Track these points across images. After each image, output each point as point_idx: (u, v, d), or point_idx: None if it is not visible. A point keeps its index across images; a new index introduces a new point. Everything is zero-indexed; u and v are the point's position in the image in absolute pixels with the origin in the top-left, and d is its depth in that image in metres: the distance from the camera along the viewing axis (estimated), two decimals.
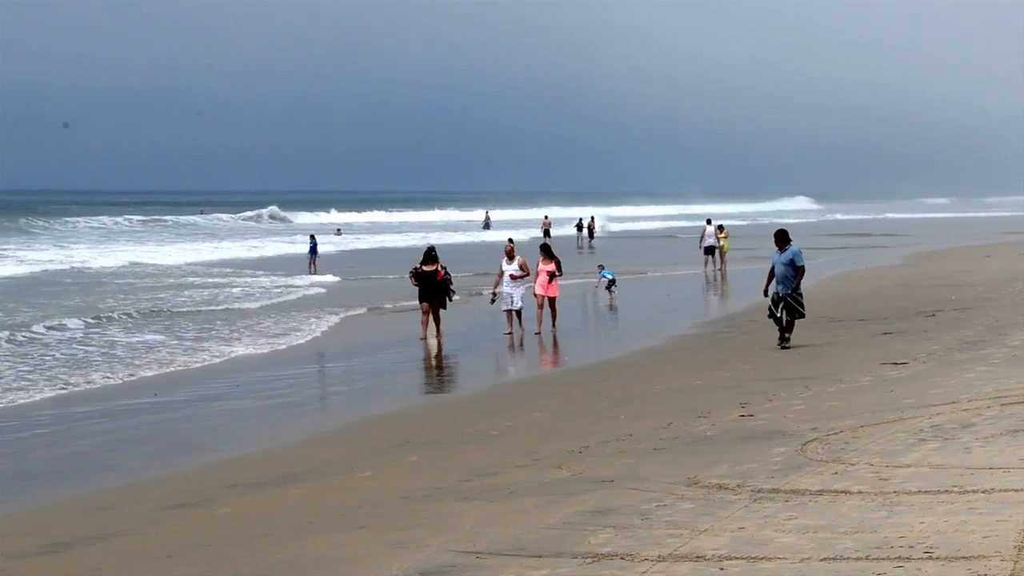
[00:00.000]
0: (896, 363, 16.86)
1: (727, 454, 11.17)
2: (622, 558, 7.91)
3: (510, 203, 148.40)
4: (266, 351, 22.76)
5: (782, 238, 20.34)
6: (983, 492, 8.77)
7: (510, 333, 24.28)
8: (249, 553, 9.21)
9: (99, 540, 10.02)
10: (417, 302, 24.31)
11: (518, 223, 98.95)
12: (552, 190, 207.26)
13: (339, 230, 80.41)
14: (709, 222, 46.01)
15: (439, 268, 24.24)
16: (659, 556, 7.86)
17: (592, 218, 69.93)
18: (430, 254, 24.57)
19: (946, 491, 8.92)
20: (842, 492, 9.20)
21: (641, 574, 7.53)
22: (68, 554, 9.64)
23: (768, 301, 20.28)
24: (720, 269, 43.59)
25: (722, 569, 7.47)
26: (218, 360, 21.49)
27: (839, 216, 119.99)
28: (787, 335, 19.93)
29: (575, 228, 69.67)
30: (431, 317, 23.88)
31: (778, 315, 19.96)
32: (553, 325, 24.69)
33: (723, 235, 44.76)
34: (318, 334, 25.30)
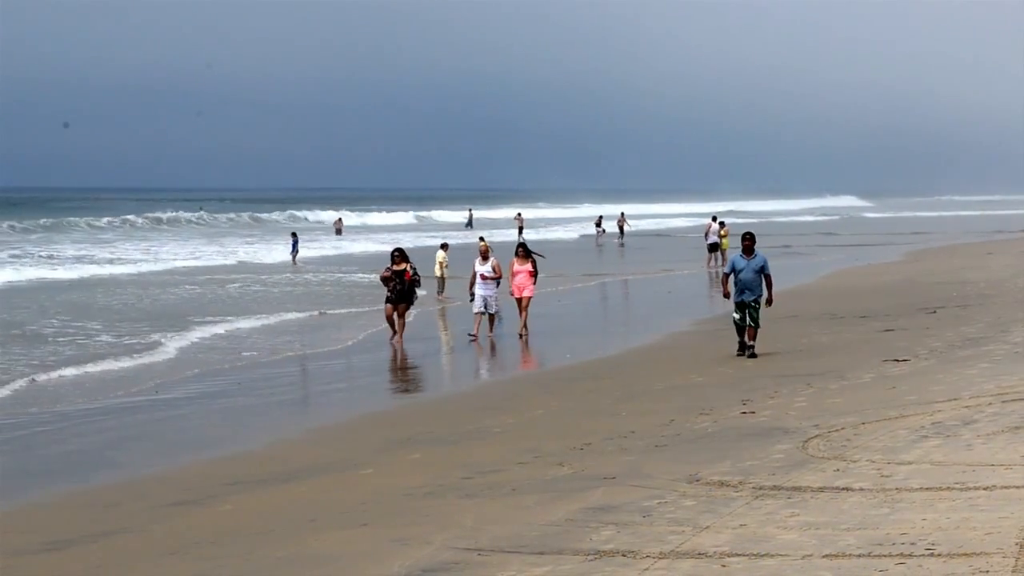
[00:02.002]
0: (898, 360, 16.86)
1: (729, 451, 11.18)
2: (624, 555, 7.91)
3: (549, 201, 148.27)
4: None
5: (750, 241, 19.17)
6: (985, 489, 8.77)
7: (475, 337, 23.36)
8: (251, 550, 9.22)
9: (101, 537, 10.03)
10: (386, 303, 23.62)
11: (552, 222, 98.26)
12: (588, 188, 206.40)
13: (339, 221, 78.75)
14: (715, 219, 46.15)
15: (408, 268, 23.65)
16: (661, 553, 7.86)
17: (622, 214, 69.88)
18: (401, 253, 23.99)
19: (948, 488, 8.92)
20: (844, 489, 9.21)
21: (643, 571, 7.54)
22: (70, 551, 9.65)
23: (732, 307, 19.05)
24: (722, 266, 43.64)
25: (724, 566, 7.47)
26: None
27: (871, 215, 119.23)
28: (751, 343, 18.73)
29: (595, 226, 69.59)
30: (399, 318, 23.27)
31: (747, 323, 18.70)
32: (524, 327, 23.83)
33: (723, 232, 44.85)
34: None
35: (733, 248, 45.46)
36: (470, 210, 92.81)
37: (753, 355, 18.56)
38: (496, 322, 24.25)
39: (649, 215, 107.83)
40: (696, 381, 16.66)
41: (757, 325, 18.73)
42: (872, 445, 10.80)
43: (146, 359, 21.15)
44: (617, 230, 67.24)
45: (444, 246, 34.53)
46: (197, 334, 24.42)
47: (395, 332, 23.19)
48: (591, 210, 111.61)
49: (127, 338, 23.75)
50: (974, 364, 15.66)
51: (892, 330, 21.00)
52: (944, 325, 21.07)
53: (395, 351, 22.35)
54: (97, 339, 23.58)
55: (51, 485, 12.40)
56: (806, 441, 11.29)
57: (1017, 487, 8.74)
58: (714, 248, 44.53)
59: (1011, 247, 47.75)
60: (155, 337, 23.67)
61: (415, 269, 23.88)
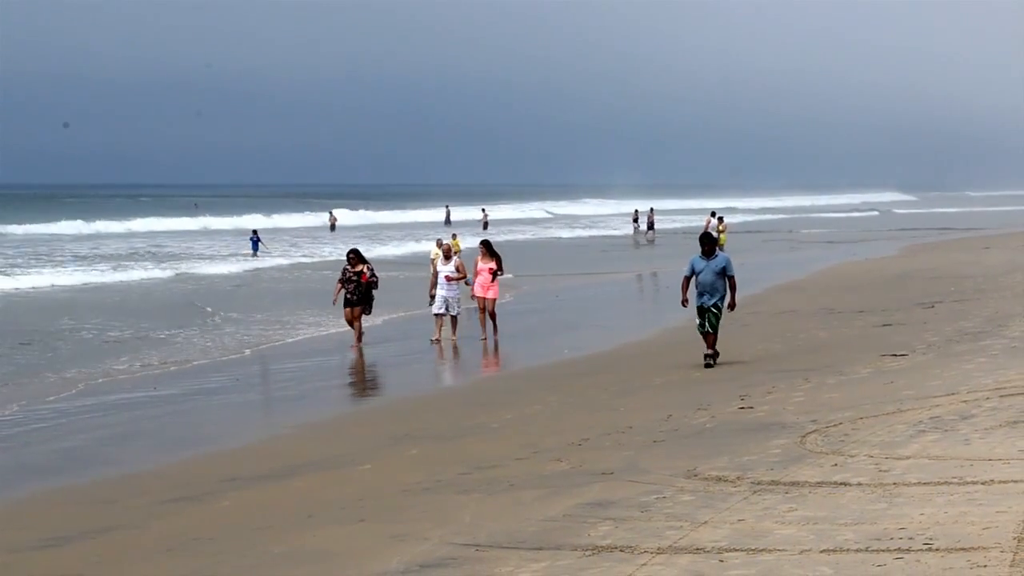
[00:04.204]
0: (896, 355, 16.85)
1: (727, 446, 11.18)
2: (622, 550, 7.91)
3: (584, 197, 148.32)
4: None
5: (710, 243, 17.92)
6: (982, 483, 8.77)
7: (438, 340, 22.50)
8: (249, 546, 9.22)
9: (99, 534, 10.03)
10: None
11: (580, 220, 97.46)
12: (622, 183, 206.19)
13: (333, 216, 78.92)
14: (713, 214, 46.33)
15: (365, 269, 22.81)
16: (659, 548, 7.86)
17: (651, 210, 70.05)
18: (357, 254, 23.17)
19: (945, 482, 8.91)
20: (842, 484, 9.20)
21: (641, 566, 7.53)
22: (68, 548, 9.65)
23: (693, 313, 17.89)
24: None
25: (722, 561, 7.47)
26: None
27: (913, 210, 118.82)
28: (710, 351, 17.58)
29: (632, 221, 69.73)
30: (356, 321, 22.41)
31: (707, 329, 17.56)
32: (495, 330, 22.95)
33: (721, 228, 44.91)
34: None
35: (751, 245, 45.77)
36: (447, 207, 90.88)
37: (711, 364, 17.38)
38: (458, 324, 23.22)
39: (681, 210, 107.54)
40: (693, 376, 16.66)
41: (715, 331, 17.53)
42: (870, 440, 10.80)
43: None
44: (645, 226, 67.49)
45: (439, 242, 34.58)
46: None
47: (358, 340, 22.28)
48: (608, 207, 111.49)
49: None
50: (972, 359, 15.66)
51: (890, 325, 21.00)
52: (942, 320, 21.06)
53: (359, 353, 21.57)
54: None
55: (49, 482, 12.40)
56: (804, 436, 11.28)
57: (1015, 481, 8.74)
58: None
59: (1008, 242, 47.72)
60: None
61: (372, 270, 23.00)
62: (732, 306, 17.77)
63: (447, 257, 23.34)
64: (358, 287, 22.60)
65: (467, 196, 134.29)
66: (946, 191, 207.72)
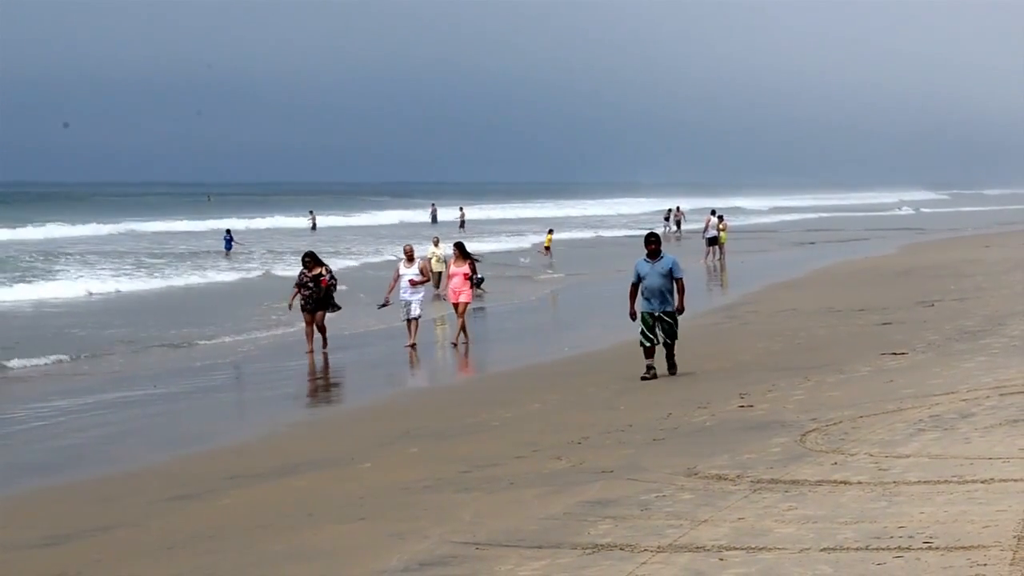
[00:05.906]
0: (896, 353, 16.86)
1: (727, 445, 11.18)
2: (622, 549, 7.91)
3: (608, 194, 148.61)
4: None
5: (656, 243, 16.67)
6: (982, 482, 8.77)
7: (412, 345, 21.65)
8: (249, 545, 9.22)
9: (100, 532, 10.03)
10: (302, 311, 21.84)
11: (612, 219, 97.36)
12: (648, 182, 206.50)
13: (312, 215, 79.45)
14: (714, 213, 46.28)
15: (323, 273, 21.94)
16: (659, 547, 7.86)
17: (678, 208, 70.26)
18: (313, 257, 22.30)
19: (946, 481, 8.92)
20: (842, 482, 9.21)
21: (641, 564, 7.53)
22: (69, 546, 9.65)
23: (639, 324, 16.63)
24: (719, 260, 43.75)
25: (721, 559, 7.47)
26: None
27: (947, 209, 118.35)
28: (672, 361, 16.60)
29: (664, 219, 70.09)
30: (315, 328, 21.52)
31: (654, 339, 16.43)
32: (465, 337, 22.09)
33: (722, 227, 44.95)
34: None
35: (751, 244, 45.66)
36: (433, 205, 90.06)
37: (651, 377, 16.27)
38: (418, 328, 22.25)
39: (701, 209, 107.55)
40: (693, 374, 16.65)
41: (675, 338, 16.60)
42: (870, 438, 10.80)
43: None
44: (673, 225, 67.77)
45: (435, 241, 34.62)
46: None
47: (311, 346, 21.32)
48: (640, 206, 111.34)
49: None
50: (972, 357, 15.66)
51: (890, 323, 21.00)
52: (942, 318, 21.06)
53: (312, 363, 20.59)
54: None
55: (49, 480, 12.40)
56: (804, 434, 11.29)
57: (1015, 480, 8.74)
58: (713, 242, 44.64)
59: (1008, 240, 47.71)
60: None
61: (331, 273, 22.17)
62: (680, 309, 16.65)
63: (410, 260, 22.49)
64: (316, 292, 21.69)
65: (479, 195, 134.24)
66: (963, 189, 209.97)
